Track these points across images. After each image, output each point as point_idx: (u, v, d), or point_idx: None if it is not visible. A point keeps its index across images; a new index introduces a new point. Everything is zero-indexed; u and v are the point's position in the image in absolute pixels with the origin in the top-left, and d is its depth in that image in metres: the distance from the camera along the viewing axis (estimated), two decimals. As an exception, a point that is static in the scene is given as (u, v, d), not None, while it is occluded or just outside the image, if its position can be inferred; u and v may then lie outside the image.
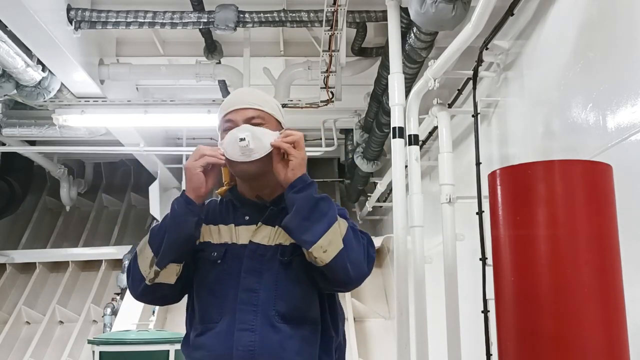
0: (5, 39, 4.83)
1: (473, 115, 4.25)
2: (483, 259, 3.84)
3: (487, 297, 3.80)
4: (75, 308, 9.65)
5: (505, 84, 4.18)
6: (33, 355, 8.76)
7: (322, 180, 11.11)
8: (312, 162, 11.15)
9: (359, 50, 5.75)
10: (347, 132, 8.55)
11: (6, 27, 4.75)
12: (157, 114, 6.34)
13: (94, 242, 11.11)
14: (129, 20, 5.11)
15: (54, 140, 7.82)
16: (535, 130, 3.66)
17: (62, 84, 5.87)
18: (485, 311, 3.84)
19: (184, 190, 1.80)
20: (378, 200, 8.43)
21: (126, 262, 9.09)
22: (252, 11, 5.16)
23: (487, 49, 4.14)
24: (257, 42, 6.16)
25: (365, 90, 6.39)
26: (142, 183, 11.01)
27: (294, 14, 5.14)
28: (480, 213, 3.94)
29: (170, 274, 1.77)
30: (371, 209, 8.88)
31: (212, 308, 1.77)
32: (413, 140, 4.34)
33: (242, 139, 1.75)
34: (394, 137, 4.19)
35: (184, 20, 5.13)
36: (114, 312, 8.56)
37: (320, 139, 7.83)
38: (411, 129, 4.35)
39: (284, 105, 5.75)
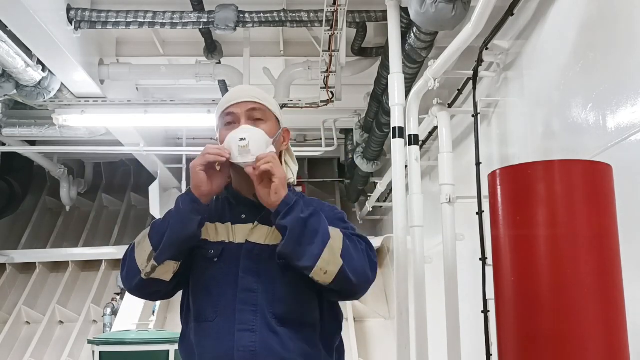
0: (5, 39, 4.83)
1: (473, 115, 4.25)
2: (483, 259, 3.84)
3: (487, 297, 3.80)
4: (75, 308, 9.65)
5: (505, 84, 4.18)
6: (33, 355, 8.76)
7: (322, 180, 11.12)
8: (312, 162, 11.16)
9: (359, 50, 5.75)
10: (347, 132, 8.56)
11: (6, 27, 4.75)
12: (157, 114, 6.34)
13: (94, 242, 11.11)
14: (129, 20, 5.11)
15: (54, 140, 7.82)
16: (535, 130, 3.66)
17: (62, 84, 5.87)
18: (485, 311, 3.84)
19: (189, 187, 1.78)
20: (378, 200, 8.43)
21: (124, 259, 9.07)
22: (252, 11, 5.16)
23: (487, 49, 4.14)
24: (257, 42, 6.16)
25: (365, 90, 6.39)
26: (142, 183, 11.01)
27: (294, 14, 5.14)
28: (480, 213, 3.94)
29: (167, 271, 1.75)
30: (371, 209, 8.88)
31: (207, 306, 1.76)
32: (413, 140, 4.34)
33: (242, 139, 1.73)
34: (394, 137, 4.19)
35: (184, 20, 5.13)
36: (114, 312, 8.56)
37: (320, 139, 7.84)
38: (411, 129, 4.35)
39: (284, 105, 5.77)
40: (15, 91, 5.75)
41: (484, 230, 3.87)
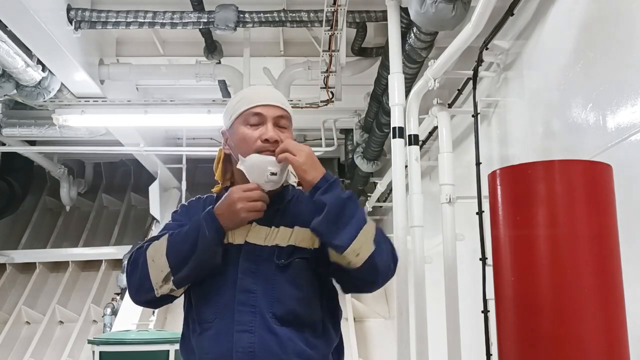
0: (5, 39, 4.83)
1: (473, 115, 4.25)
2: (483, 259, 3.84)
3: (487, 297, 3.80)
4: (75, 308, 9.66)
5: (505, 84, 4.18)
6: (33, 355, 8.77)
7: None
8: (312, 162, 11.14)
9: (359, 50, 5.75)
10: (347, 132, 8.55)
11: (6, 27, 4.75)
12: (157, 114, 6.33)
13: (94, 242, 11.11)
14: (129, 20, 5.11)
15: (54, 140, 7.82)
16: (535, 130, 3.66)
17: (62, 84, 5.87)
18: (485, 311, 3.84)
19: (212, 209, 1.76)
20: (378, 200, 8.43)
21: (126, 262, 9.08)
22: (252, 11, 5.16)
23: (487, 49, 4.14)
24: (257, 42, 6.17)
25: (365, 90, 6.39)
26: (142, 183, 11.01)
27: (294, 14, 5.14)
28: (480, 213, 3.94)
29: (182, 289, 1.77)
30: (371, 209, 8.87)
31: (206, 308, 1.76)
32: (413, 140, 4.34)
33: (273, 174, 1.75)
34: (394, 137, 4.19)
35: (184, 20, 5.13)
36: (114, 312, 8.56)
37: (320, 139, 7.83)
38: (411, 129, 4.35)
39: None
40: (15, 91, 5.75)
41: (484, 230, 3.87)
